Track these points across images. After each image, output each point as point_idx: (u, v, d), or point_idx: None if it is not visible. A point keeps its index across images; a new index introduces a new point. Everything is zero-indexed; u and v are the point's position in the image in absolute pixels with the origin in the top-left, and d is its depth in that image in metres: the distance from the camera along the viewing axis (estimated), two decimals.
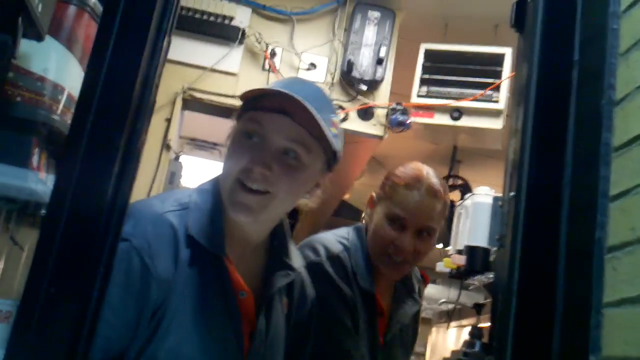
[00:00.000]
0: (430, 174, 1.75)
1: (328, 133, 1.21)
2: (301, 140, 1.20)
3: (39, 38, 1.06)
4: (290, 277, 1.33)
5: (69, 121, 1.03)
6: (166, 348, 1.11)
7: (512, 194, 1.15)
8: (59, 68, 1.20)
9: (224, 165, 1.24)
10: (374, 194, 1.81)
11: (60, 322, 0.83)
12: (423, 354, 10.22)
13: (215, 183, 1.26)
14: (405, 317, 1.87)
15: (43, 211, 1.08)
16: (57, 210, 0.86)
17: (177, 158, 3.47)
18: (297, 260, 1.38)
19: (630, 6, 1.08)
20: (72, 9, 1.25)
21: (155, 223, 1.15)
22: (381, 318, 1.78)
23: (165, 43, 1.01)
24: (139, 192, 3.13)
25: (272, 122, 1.19)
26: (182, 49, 3.41)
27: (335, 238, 1.78)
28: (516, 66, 1.36)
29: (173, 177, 3.35)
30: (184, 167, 3.46)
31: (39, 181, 1.11)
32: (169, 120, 3.34)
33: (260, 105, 1.21)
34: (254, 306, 1.23)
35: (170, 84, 3.36)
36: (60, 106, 1.18)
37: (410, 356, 1.98)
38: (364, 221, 1.86)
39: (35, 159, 1.12)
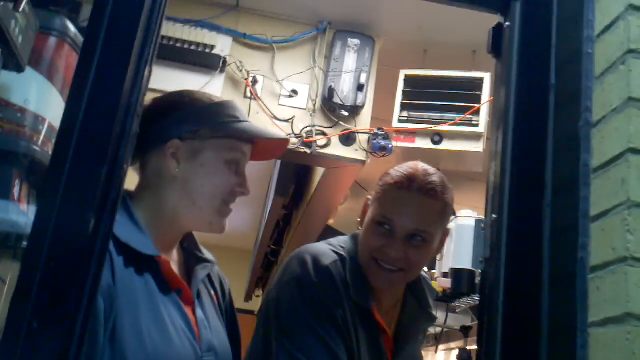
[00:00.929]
0: (427, 171, 1.52)
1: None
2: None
3: (19, 69, 1.06)
4: (209, 268, 1.41)
5: (51, 152, 1.03)
6: (130, 354, 1.13)
7: (494, 216, 1.16)
8: (40, 99, 1.20)
9: (203, 183, 1.31)
10: (368, 198, 1.60)
11: (43, 356, 0.82)
12: None
13: (126, 200, 1.30)
14: (417, 334, 1.67)
15: (25, 243, 1.07)
16: (39, 243, 0.85)
17: None
18: (208, 253, 1.45)
19: (604, 31, 1.10)
20: (52, 40, 1.25)
21: None
22: (385, 336, 1.56)
23: (146, 72, 1.01)
24: None
25: (248, 151, 1.39)
26: (164, 77, 3.41)
27: (329, 248, 1.58)
28: (495, 90, 1.38)
29: None
30: None
31: (21, 213, 1.10)
32: None
33: (244, 137, 1.36)
34: (191, 299, 1.31)
35: None
36: (42, 137, 1.17)
37: None
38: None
39: (16, 191, 1.11)
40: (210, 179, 1.30)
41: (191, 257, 1.41)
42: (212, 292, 1.44)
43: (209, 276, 1.44)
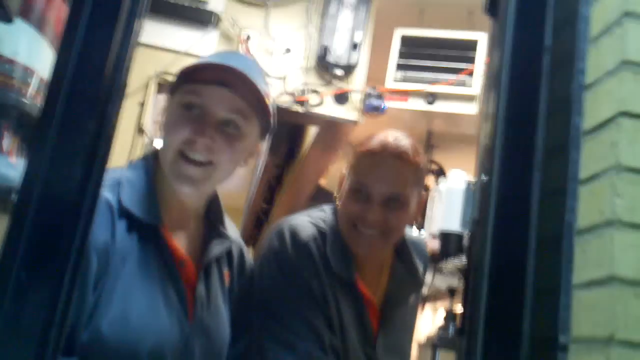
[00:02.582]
0: (397, 137, 1.58)
1: (268, 103, 1.25)
2: (240, 111, 1.23)
3: (8, 20, 1.05)
4: (226, 244, 1.35)
5: (40, 104, 1.02)
6: (110, 317, 1.11)
7: (484, 177, 1.16)
8: (30, 51, 1.18)
9: (163, 139, 1.24)
10: (343, 171, 1.65)
11: (32, 307, 0.82)
12: None
13: (147, 159, 1.28)
14: (405, 302, 1.68)
15: (14, 196, 1.07)
16: (28, 195, 0.85)
17: (151, 142, 3.43)
18: (232, 230, 1.40)
19: None
20: None
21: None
22: (371, 306, 1.59)
23: (137, 26, 1.00)
24: None
25: (212, 94, 1.22)
26: (156, 33, 3.37)
27: (309, 221, 1.59)
28: (489, 51, 1.37)
29: None
30: None
31: (10, 165, 1.10)
32: (142, 105, 3.30)
33: (198, 78, 1.23)
34: (195, 274, 1.26)
35: (143, 68, 3.31)
36: (31, 89, 1.16)
37: (411, 343, 1.78)
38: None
39: (5, 143, 1.10)
40: (166, 128, 1.25)
41: (212, 230, 1.35)
42: (226, 271, 1.37)
43: (228, 253, 1.38)
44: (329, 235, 1.57)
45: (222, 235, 1.35)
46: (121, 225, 1.17)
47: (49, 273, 0.84)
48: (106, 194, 1.18)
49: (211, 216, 1.36)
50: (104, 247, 1.12)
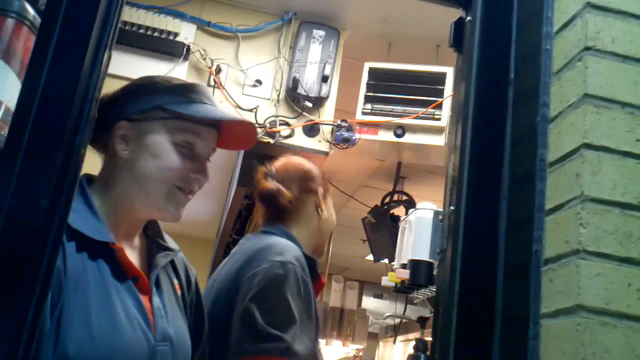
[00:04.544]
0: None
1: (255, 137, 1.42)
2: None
3: None
4: (170, 256, 1.38)
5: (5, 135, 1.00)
6: (75, 340, 1.10)
7: (451, 208, 1.18)
8: None
9: (148, 166, 1.25)
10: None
11: None
12: None
13: (80, 184, 1.26)
14: None
15: None
16: None
17: None
18: (172, 242, 1.43)
19: (562, 28, 1.12)
20: (9, 22, 1.22)
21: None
22: None
23: (105, 57, 0.99)
24: None
25: (207, 134, 1.30)
26: (126, 64, 3.36)
27: (286, 241, 1.75)
28: (455, 84, 1.40)
29: None
30: None
31: None
32: None
33: (195, 118, 1.27)
34: (148, 287, 1.28)
35: None
36: None
37: None
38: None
39: None
40: (156, 161, 1.25)
41: (154, 245, 1.37)
42: (175, 281, 1.40)
43: (173, 265, 1.41)
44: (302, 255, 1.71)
45: (164, 248, 1.38)
46: (70, 248, 1.16)
47: (12, 306, 0.82)
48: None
49: (149, 231, 1.39)
50: (56, 272, 1.08)
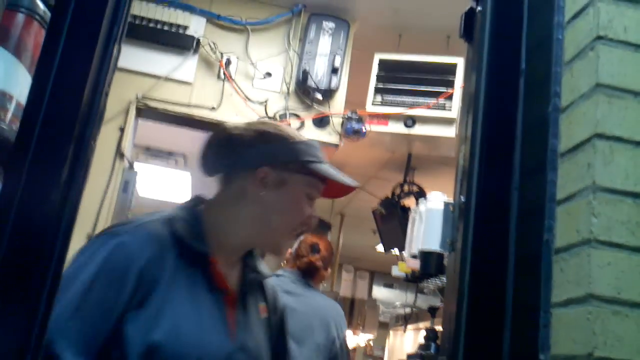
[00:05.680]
0: None
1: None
2: None
3: None
4: (260, 277, 1.52)
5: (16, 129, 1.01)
6: (164, 331, 1.24)
7: (462, 199, 1.17)
8: (7, 76, 1.18)
9: (284, 210, 1.44)
10: None
11: (7, 333, 0.81)
12: (381, 358, 10.26)
13: (195, 203, 1.47)
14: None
15: None
16: (4, 220, 0.84)
17: (131, 167, 3.42)
18: (265, 269, 1.56)
19: (574, 17, 1.11)
20: (20, 17, 1.23)
21: (143, 226, 1.34)
22: None
23: (115, 50, 1.00)
24: (92, 201, 3.07)
25: (321, 190, 1.49)
26: (136, 57, 3.37)
27: None
28: (465, 75, 1.39)
29: (127, 186, 3.30)
30: (138, 176, 3.41)
31: None
32: (122, 129, 3.30)
33: (326, 178, 1.47)
34: (234, 303, 1.41)
35: (123, 93, 3.31)
36: (9, 115, 1.15)
37: None
38: None
39: None
40: (291, 207, 1.44)
41: (249, 269, 1.51)
42: (262, 304, 1.53)
43: (263, 291, 1.55)
44: None
45: (257, 271, 1.52)
46: (172, 253, 1.32)
47: (24, 298, 0.82)
48: (157, 225, 1.36)
49: (247, 260, 1.53)
50: (151, 270, 1.27)
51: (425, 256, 2.49)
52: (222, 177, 1.47)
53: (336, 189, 1.52)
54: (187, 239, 1.34)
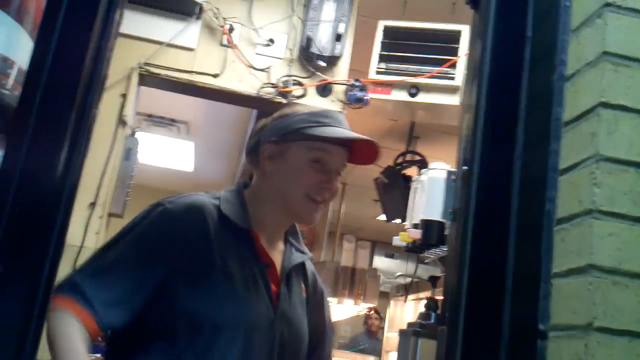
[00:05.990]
0: None
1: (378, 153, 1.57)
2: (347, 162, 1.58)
3: None
4: (304, 257, 1.62)
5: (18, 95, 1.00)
6: (213, 296, 1.37)
7: (465, 168, 1.17)
8: (9, 41, 1.17)
9: (284, 180, 1.51)
10: None
11: (11, 301, 0.82)
12: (382, 327, 10.36)
13: (239, 185, 1.59)
14: None
15: None
16: (6, 186, 0.84)
17: (133, 134, 3.41)
18: (306, 249, 1.67)
19: None
20: None
21: (191, 201, 1.47)
22: None
23: (117, 16, 0.99)
24: (94, 168, 3.07)
25: (337, 152, 1.53)
26: (138, 23, 3.34)
27: None
28: (471, 42, 1.38)
29: (129, 154, 3.30)
30: (140, 143, 3.41)
31: None
32: (124, 96, 3.28)
33: (322, 138, 1.50)
34: (277, 278, 1.51)
35: (125, 59, 3.29)
36: (10, 80, 1.15)
37: None
38: None
39: None
40: (293, 173, 1.50)
41: (292, 248, 1.61)
42: (303, 285, 1.62)
43: (304, 272, 1.65)
44: None
45: (300, 250, 1.62)
46: (217, 226, 1.44)
47: (27, 265, 0.83)
48: (205, 200, 1.49)
49: (289, 236, 1.63)
50: (195, 241, 1.40)
51: (427, 226, 2.49)
52: (253, 164, 1.59)
53: (362, 153, 1.57)
54: (232, 217, 1.47)
